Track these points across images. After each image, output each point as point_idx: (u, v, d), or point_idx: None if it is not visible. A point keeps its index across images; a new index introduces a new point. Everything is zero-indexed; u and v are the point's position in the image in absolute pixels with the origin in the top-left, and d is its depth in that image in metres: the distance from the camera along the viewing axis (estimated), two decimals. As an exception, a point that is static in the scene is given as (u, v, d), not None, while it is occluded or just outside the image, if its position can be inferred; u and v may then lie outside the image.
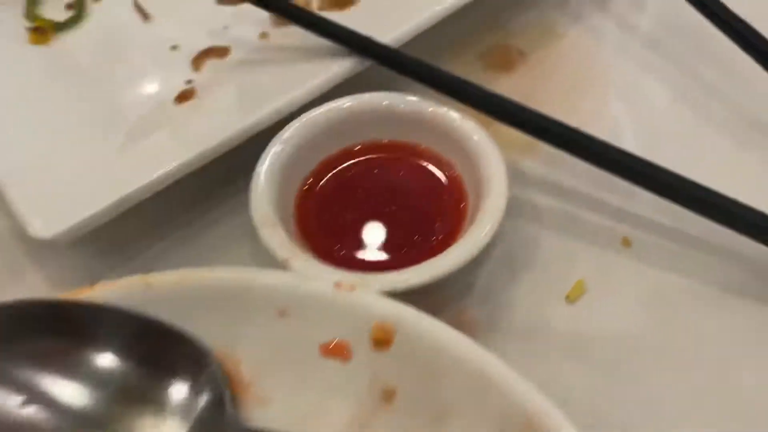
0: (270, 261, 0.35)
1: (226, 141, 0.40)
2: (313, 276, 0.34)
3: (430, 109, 0.40)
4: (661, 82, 0.50)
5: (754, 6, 0.46)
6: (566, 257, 0.42)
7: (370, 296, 0.30)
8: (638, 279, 0.40)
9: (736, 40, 0.46)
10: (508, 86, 0.50)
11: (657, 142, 0.47)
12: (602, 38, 0.53)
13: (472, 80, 0.43)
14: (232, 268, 0.32)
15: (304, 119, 0.40)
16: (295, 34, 0.45)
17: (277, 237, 0.36)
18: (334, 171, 0.41)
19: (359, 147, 0.42)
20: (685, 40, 0.52)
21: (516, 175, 0.45)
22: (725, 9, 0.46)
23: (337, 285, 0.31)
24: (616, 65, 0.52)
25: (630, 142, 0.47)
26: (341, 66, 0.43)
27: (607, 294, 0.40)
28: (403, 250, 0.38)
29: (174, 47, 0.49)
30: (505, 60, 0.52)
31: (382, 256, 0.39)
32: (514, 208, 0.43)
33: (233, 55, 0.48)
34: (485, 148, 0.39)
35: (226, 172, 0.42)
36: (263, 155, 0.39)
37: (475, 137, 0.40)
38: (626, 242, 0.42)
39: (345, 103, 0.41)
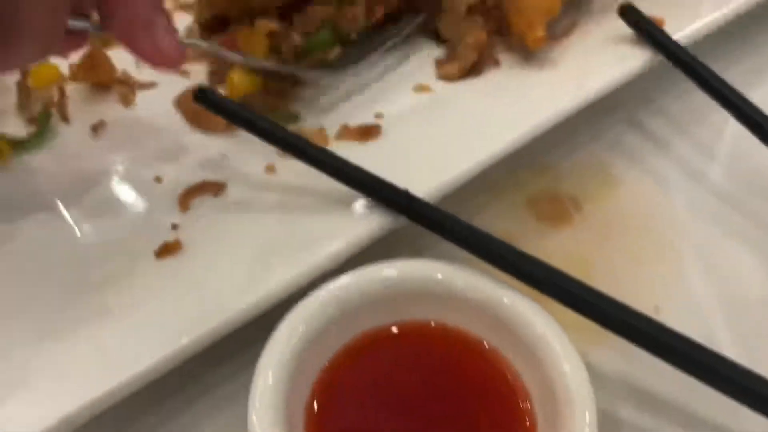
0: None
1: (220, 326, 0.31)
2: None
3: (494, 295, 0.32)
4: (748, 248, 0.41)
5: None
6: None
7: None
8: None
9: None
10: (563, 244, 0.41)
11: (753, 330, 0.38)
12: (666, 186, 0.45)
13: (523, 233, 0.38)
14: None
15: (325, 293, 0.32)
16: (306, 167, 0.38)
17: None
18: (360, 362, 0.32)
19: (397, 330, 0.33)
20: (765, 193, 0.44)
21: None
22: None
23: None
24: (686, 222, 0.43)
25: (718, 328, 0.38)
26: (371, 223, 0.36)
27: None
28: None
29: (157, 178, 0.39)
30: (559, 210, 0.43)
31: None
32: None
33: (230, 193, 0.39)
34: (564, 360, 0.30)
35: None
36: (268, 344, 0.30)
37: (557, 347, 0.30)
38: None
39: (383, 271, 0.32)
